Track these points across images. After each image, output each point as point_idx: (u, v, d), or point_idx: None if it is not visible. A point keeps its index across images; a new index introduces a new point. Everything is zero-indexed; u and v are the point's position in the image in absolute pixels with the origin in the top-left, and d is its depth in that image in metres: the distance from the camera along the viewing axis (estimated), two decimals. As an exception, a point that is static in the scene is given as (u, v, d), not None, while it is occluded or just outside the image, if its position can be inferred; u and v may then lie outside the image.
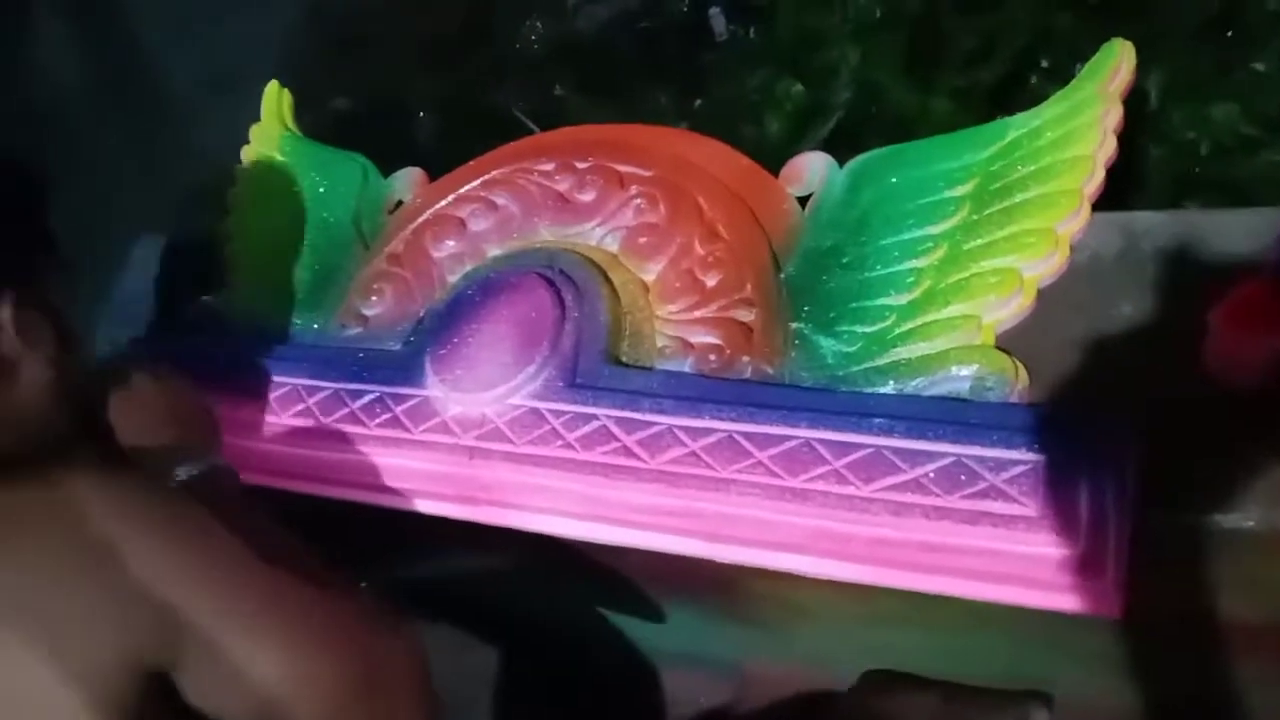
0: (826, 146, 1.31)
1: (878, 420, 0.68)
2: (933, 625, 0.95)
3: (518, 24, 2.31)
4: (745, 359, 0.78)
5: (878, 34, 1.22)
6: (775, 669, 1.16)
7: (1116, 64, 0.77)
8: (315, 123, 2.41)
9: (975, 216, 0.75)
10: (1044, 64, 1.21)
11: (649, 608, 1.01)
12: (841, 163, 0.85)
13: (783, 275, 0.81)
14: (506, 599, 1.19)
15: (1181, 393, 0.67)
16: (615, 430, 0.75)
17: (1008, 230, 0.74)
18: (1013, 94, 1.22)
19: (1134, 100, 1.14)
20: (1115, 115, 0.76)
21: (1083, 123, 0.75)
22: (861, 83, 1.25)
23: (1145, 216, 0.75)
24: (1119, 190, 1.18)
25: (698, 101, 1.66)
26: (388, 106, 2.22)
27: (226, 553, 0.57)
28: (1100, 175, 0.74)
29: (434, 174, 1.01)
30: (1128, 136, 1.18)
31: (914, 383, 0.71)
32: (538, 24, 2.32)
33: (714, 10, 1.76)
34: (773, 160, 0.93)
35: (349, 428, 0.85)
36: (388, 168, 1.06)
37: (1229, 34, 1.11)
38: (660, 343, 0.81)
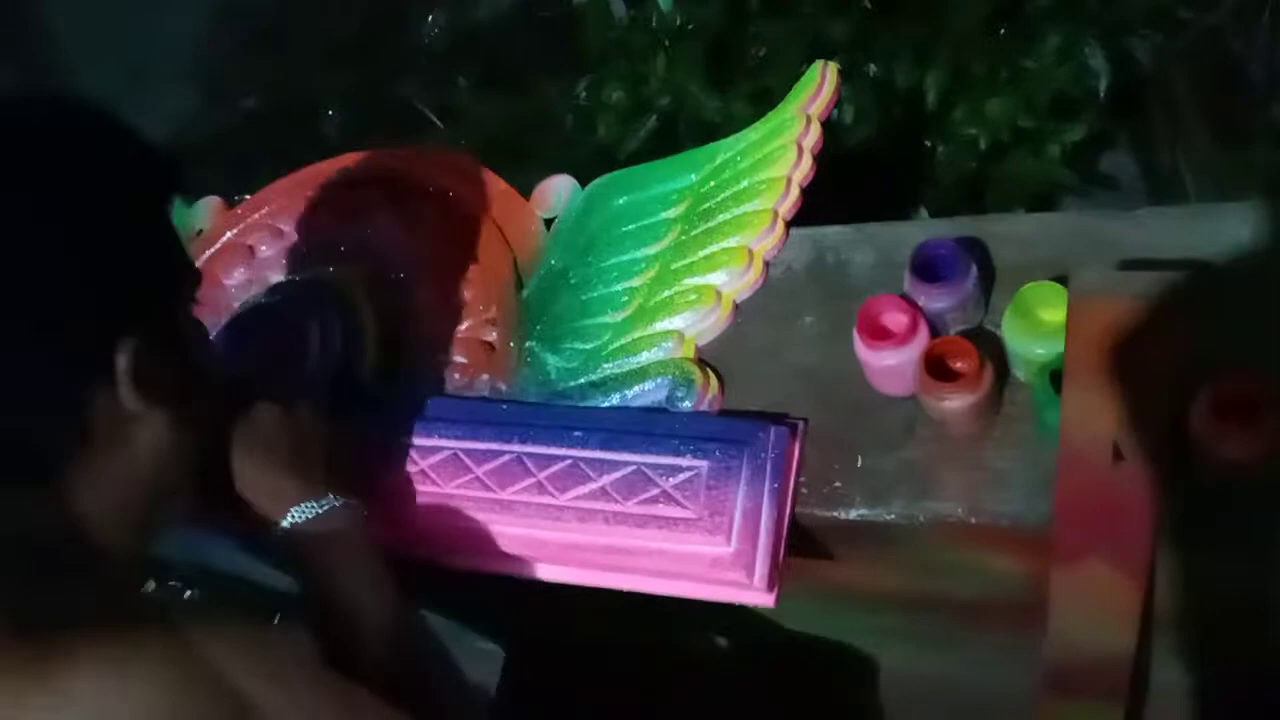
0: (646, 149, 1.38)
1: (576, 433, 0.75)
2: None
3: (422, 16, 2.34)
4: (485, 376, 0.84)
5: (681, 43, 1.27)
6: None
7: (817, 86, 0.82)
8: (226, 121, 2.43)
9: (684, 237, 0.81)
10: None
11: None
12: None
13: (523, 295, 0.86)
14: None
15: (849, 398, 0.74)
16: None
17: (709, 249, 0.80)
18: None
19: (915, 100, 1.21)
20: (814, 135, 0.81)
21: (781, 144, 0.81)
22: (673, 89, 1.31)
23: (834, 231, 0.81)
24: (909, 190, 1.25)
25: (582, 93, 1.70)
26: (296, 103, 2.25)
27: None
28: (795, 194, 0.80)
29: None
30: (913, 136, 1.25)
31: (621, 395, 0.77)
32: (440, 14, 2.35)
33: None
34: (601, 161, 0.95)
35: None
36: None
37: (1001, 32, 1.18)
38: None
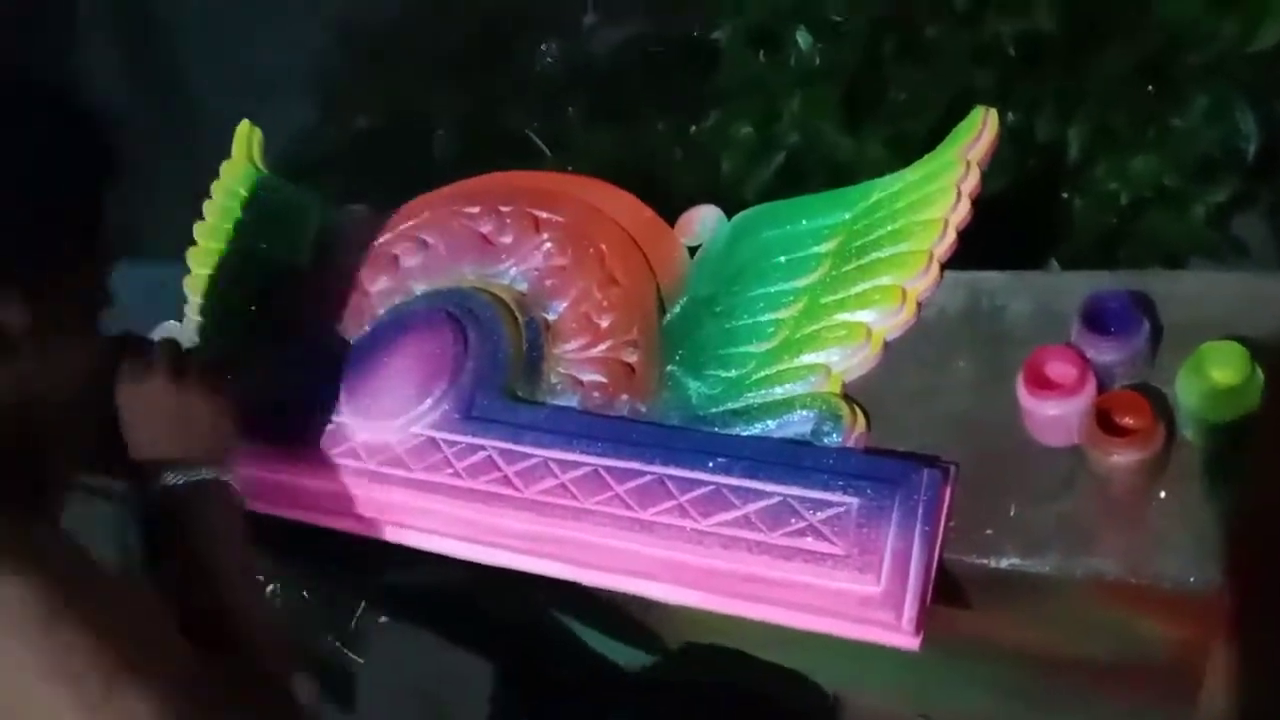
0: (772, 188, 1.38)
1: (720, 459, 0.75)
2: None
3: (534, 44, 2.40)
4: (625, 397, 0.85)
5: (817, 82, 1.28)
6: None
7: (978, 131, 0.82)
8: (340, 138, 2.51)
9: (835, 272, 0.81)
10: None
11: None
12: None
13: (666, 320, 0.87)
14: (483, 600, 1.25)
15: (1003, 445, 0.73)
16: (499, 461, 0.83)
17: (861, 286, 0.80)
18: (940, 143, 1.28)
19: (1055, 152, 1.20)
20: (972, 180, 0.81)
21: (939, 187, 0.81)
22: (804, 127, 1.31)
23: (990, 276, 0.80)
24: (1041, 240, 1.23)
25: (693, 128, 1.73)
26: (407, 124, 2.31)
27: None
28: (952, 237, 0.80)
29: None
30: (1050, 189, 1.23)
31: (763, 425, 0.77)
32: (553, 45, 2.41)
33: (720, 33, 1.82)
34: (719, 199, 0.98)
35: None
36: (399, 185, 1.10)
37: (1150, 89, 1.16)
38: (554, 380, 0.88)
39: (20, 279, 0.58)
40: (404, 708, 1.64)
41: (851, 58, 1.25)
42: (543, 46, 2.37)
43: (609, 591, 0.78)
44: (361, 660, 1.76)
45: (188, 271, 1.13)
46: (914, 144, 1.24)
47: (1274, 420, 0.59)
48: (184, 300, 1.13)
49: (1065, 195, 1.19)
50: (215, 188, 1.18)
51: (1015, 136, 1.18)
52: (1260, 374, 0.62)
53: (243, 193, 1.16)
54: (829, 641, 0.97)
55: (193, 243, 1.15)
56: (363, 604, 1.76)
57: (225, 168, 1.19)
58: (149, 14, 2.84)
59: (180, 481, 0.69)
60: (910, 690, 1.05)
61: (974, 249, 0.82)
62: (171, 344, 0.76)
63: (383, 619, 1.76)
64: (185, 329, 1.10)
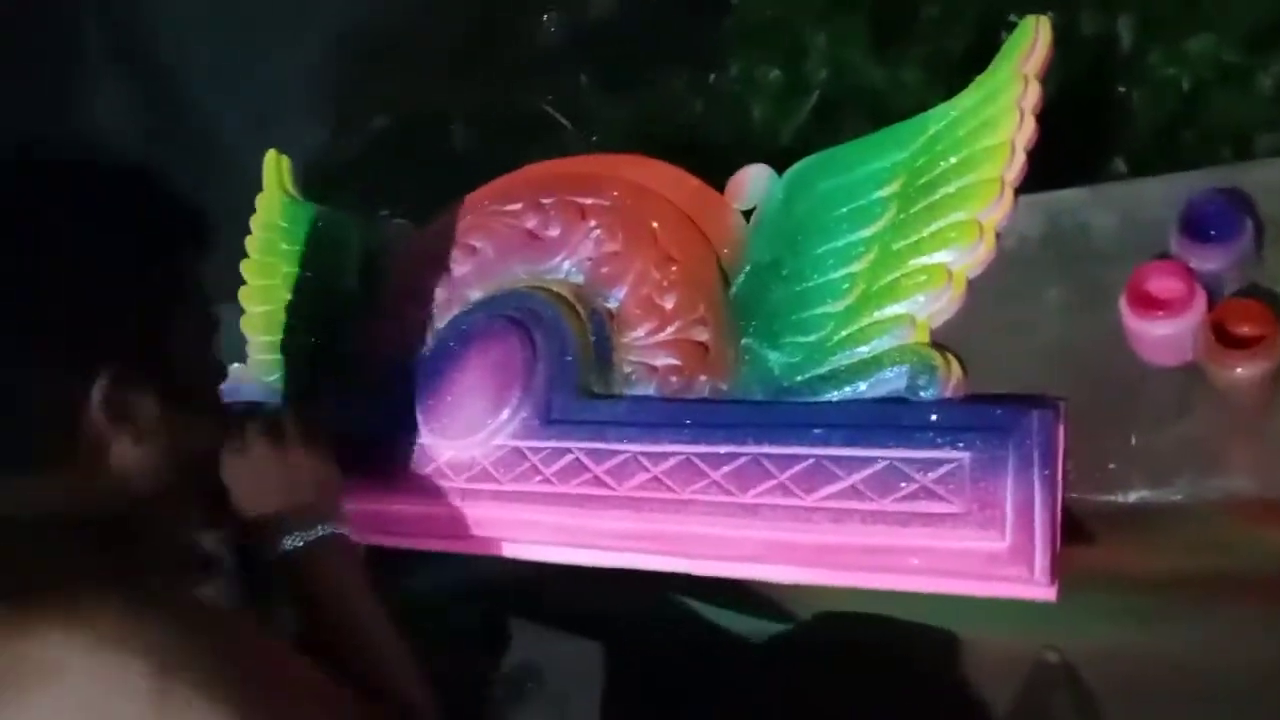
0: (808, 128, 1.34)
1: (816, 431, 0.72)
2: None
3: (536, 19, 2.35)
4: (703, 377, 0.82)
5: (841, 13, 1.22)
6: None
7: (1031, 43, 0.77)
8: (359, 144, 2.50)
9: (903, 215, 0.78)
10: (1013, 19, 1.20)
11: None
12: (820, 148, 0.86)
13: (732, 291, 0.84)
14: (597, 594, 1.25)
15: (1111, 372, 0.69)
16: (586, 461, 0.81)
17: (934, 226, 0.76)
18: (985, 57, 1.22)
19: (1105, 46, 1.14)
20: (1033, 96, 0.76)
21: (999, 109, 0.76)
22: (834, 62, 1.27)
23: (1068, 195, 0.76)
24: (1104, 144, 1.18)
25: (712, 76, 1.68)
26: (424, 120, 2.29)
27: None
28: (1021, 159, 0.75)
29: (473, 184, 1.03)
30: (1105, 85, 1.17)
31: (853, 387, 0.74)
32: (554, 14, 2.36)
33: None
34: (758, 146, 0.94)
35: (361, 479, 0.92)
36: (424, 184, 1.06)
37: (1195, -36, 1.09)
38: (627, 369, 0.86)
39: (151, 371, 0.60)
40: (523, 676, 1.65)
41: (874, -18, 1.20)
42: (544, 18, 2.33)
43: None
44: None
45: (242, 312, 1.13)
46: (952, 63, 1.19)
47: None
48: (243, 341, 1.12)
49: (1122, 90, 1.13)
50: (254, 222, 1.17)
51: (1061, 36, 1.11)
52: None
53: (282, 224, 1.15)
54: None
55: (241, 282, 1.15)
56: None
57: (260, 200, 1.18)
58: (151, 56, 2.83)
59: (300, 544, 0.70)
60: (1035, 627, 1.02)
61: (1035, 165, 0.78)
62: (265, 410, 0.78)
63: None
64: (251, 370, 1.10)
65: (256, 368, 1.09)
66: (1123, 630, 0.99)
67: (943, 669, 1.07)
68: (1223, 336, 0.61)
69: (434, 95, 2.34)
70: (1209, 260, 0.63)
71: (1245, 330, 0.61)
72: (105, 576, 0.55)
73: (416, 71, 2.41)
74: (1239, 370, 0.60)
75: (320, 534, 0.71)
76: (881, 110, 0.90)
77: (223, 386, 1.08)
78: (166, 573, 0.66)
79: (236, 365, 1.11)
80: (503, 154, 1.08)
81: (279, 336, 1.08)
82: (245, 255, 1.15)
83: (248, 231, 1.16)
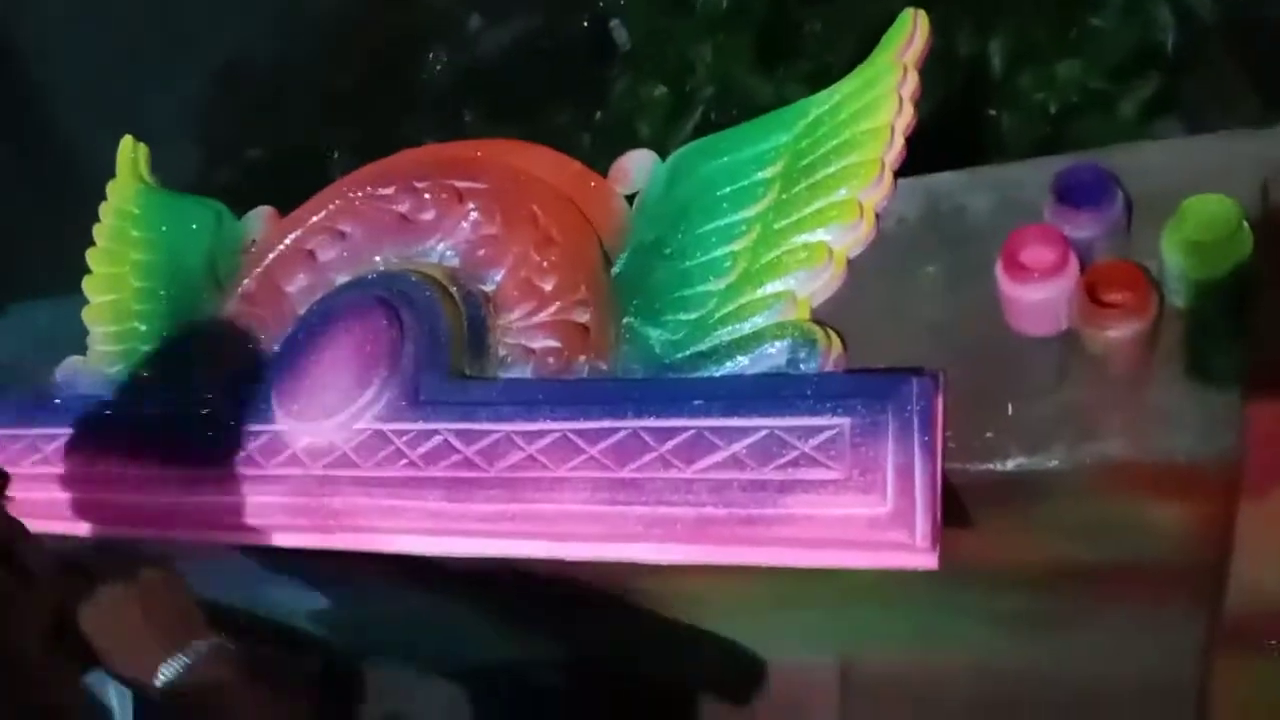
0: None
1: (696, 402, 0.70)
2: (832, 600, 0.97)
3: (422, 59, 2.33)
4: (582, 358, 0.79)
5: (726, 29, 1.24)
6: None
7: (909, 33, 0.79)
8: (231, 176, 2.41)
9: (784, 196, 0.77)
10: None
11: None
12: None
13: (613, 272, 0.82)
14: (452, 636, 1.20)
15: (988, 345, 0.69)
16: (455, 443, 0.76)
17: (815, 205, 0.75)
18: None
19: (978, 68, 1.18)
20: (912, 83, 0.77)
21: (879, 94, 0.77)
22: (720, 78, 1.28)
23: (946, 177, 0.77)
24: (973, 160, 1.21)
25: (598, 114, 1.68)
26: (302, 153, 2.23)
27: None
28: (900, 143, 0.76)
29: None
30: (975, 105, 1.22)
31: (735, 363, 0.73)
32: (442, 55, 2.35)
33: (614, 22, 1.79)
34: None
35: (210, 470, 0.85)
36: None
37: (1066, -7, 1.15)
38: (503, 352, 0.82)
39: None
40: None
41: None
42: (430, 56, 2.32)
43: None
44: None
45: (86, 302, 1.04)
46: (834, 78, 1.21)
47: (1272, 272, 0.57)
48: (85, 333, 1.04)
49: (993, 112, 1.17)
50: (104, 210, 1.09)
51: (936, 58, 1.15)
52: (1247, 227, 0.60)
53: (135, 210, 1.08)
54: (811, 594, 0.94)
55: (86, 272, 1.06)
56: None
57: (112, 187, 1.11)
58: (25, 75, 2.70)
59: (180, 669, 0.68)
60: (911, 633, 1.02)
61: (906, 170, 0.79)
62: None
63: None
64: (91, 363, 1.01)
65: (97, 359, 1.01)
66: (999, 635, 0.99)
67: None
68: (1096, 299, 0.61)
69: (315, 135, 2.29)
70: (1082, 227, 0.64)
71: (1117, 294, 0.62)
72: None
73: (301, 113, 2.36)
74: (1111, 332, 0.61)
75: (196, 652, 0.69)
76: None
77: (60, 379, 1.01)
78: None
79: (74, 358, 1.02)
80: None
81: (125, 325, 1.00)
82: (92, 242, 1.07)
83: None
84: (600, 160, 1.57)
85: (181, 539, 0.84)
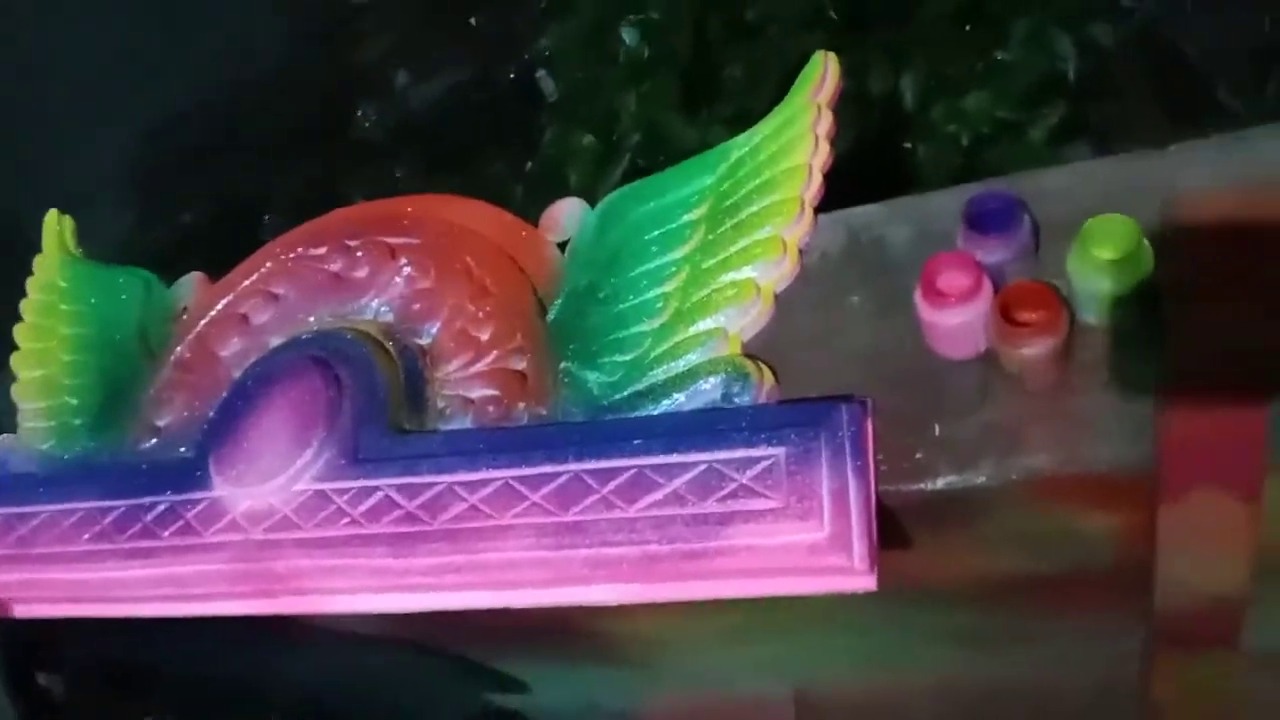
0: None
1: (636, 441, 0.71)
2: (784, 630, 0.97)
3: (349, 115, 2.34)
4: (521, 405, 0.80)
5: (650, 76, 1.27)
6: (668, 703, 1.18)
7: (821, 75, 0.81)
8: (162, 237, 2.39)
9: (711, 236, 0.79)
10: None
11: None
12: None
13: (549, 319, 0.83)
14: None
15: (913, 369, 0.71)
16: (397, 498, 0.76)
17: (740, 244, 0.77)
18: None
19: (892, 104, 1.22)
20: (826, 122, 0.80)
21: (796, 134, 0.79)
22: (645, 125, 1.31)
23: (865, 211, 0.79)
24: (890, 194, 1.25)
25: (528, 164, 1.70)
26: (235, 213, 2.22)
27: None
28: (818, 180, 0.78)
29: None
30: (891, 140, 1.26)
31: (672, 400, 0.74)
32: (371, 113, 2.36)
33: (541, 73, 1.82)
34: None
35: (144, 543, 0.83)
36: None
37: (969, 28, 1.20)
38: (441, 404, 0.83)
39: None
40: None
41: (681, 45, 1.26)
42: (359, 113, 2.33)
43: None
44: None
45: (13, 379, 1.03)
46: (755, 119, 1.25)
47: (1176, 285, 0.60)
48: (14, 411, 1.02)
49: (908, 145, 1.21)
50: (30, 284, 1.08)
51: (851, 97, 1.19)
52: (1148, 243, 0.63)
53: (62, 283, 1.06)
54: (761, 625, 0.94)
55: (14, 348, 1.05)
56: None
57: (38, 261, 1.10)
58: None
59: None
60: (865, 657, 1.03)
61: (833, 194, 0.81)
62: None
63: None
64: (23, 439, 0.99)
65: (29, 436, 0.99)
66: (937, 654, 1.01)
67: None
68: (1010, 320, 0.64)
69: (246, 192, 2.29)
70: (992, 251, 0.67)
71: (1030, 313, 0.64)
72: None
73: (229, 170, 2.35)
74: (1027, 350, 0.63)
75: None
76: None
77: (-11, 458, 0.99)
78: None
79: (5, 436, 1.00)
80: None
81: (56, 400, 0.99)
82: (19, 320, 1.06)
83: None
84: (533, 208, 1.59)
85: (124, 614, 0.83)
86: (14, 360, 1.04)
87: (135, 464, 0.89)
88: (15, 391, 1.02)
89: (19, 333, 1.05)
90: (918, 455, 0.68)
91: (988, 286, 0.66)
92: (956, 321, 0.66)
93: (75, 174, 2.32)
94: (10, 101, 2.47)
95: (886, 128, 1.19)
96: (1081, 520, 0.70)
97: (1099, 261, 0.63)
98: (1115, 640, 0.89)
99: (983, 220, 0.67)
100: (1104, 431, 0.65)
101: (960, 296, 0.65)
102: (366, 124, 2.33)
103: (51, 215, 1.12)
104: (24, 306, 1.07)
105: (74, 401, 0.98)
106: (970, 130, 1.18)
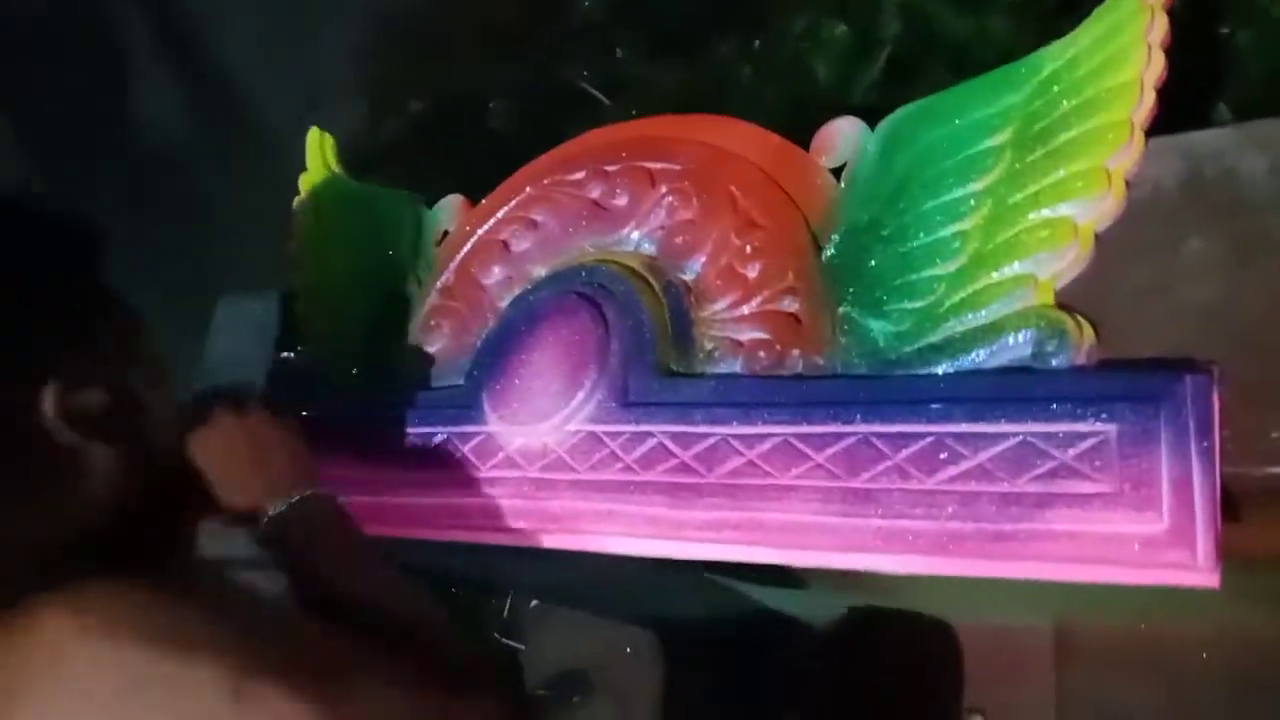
0: (882, 87, 1.26)
1: (935, 406, 0.65)
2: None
3: (569, -4, 2.28)
4: (795, 352, 0.75)
5: (914, -42, 1.14)
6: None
7: (1156, -32, 0.69)
8: (398, 127, 2.46)
9: (1018, 165, 0.70)
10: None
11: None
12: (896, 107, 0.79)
13: (824, 257, 0.77)
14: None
15: (1267, 333, 0.61)
16: (672, 446, 0.74)
17: (1055, 175, 0.68)
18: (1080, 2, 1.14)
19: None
20: (1161, 27, 0.68)
21: (1124, 43, 0.68)
22: (909, 13, 1.18)
23: (1208, 136, 0.68)
24: (1206, 93, 1.08)
25: (756, 42, 1.61)
26: (462, 101, 2.25)
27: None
28: (1150, 99, 0.68)
29: (513, 163, 0.98)
30: (1208, 27, 1.08)
31: (972, 357, 0.67)
32: (589, -10, 2.29)
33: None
34: (827, 110, 0.88)
35: (425, 473, 0.86)
36: (464, 165, 0.99)
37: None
38: (709, 345, 0.79)
39: (91, 372, 0.59)
40: (570, 684, 1.64)
41: (950, -77, 1.12)
42: (578, -7, 2.27)
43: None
44: (523, 646, 1.75)
45: (292, 297, 1.07)
46: (1045, 7, 1.10)
47: None
48: (295, 328, 1.07)
49: (1226, 31, 1.04)
50: (299, 206, 1.12)
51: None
52: None
53: (330, 206, 1.09)
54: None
55: (287, 266, 1.09)
56: (511, 594, 1.75)
57: (304, 180, 1.13)
58: (195, 44, 2.83)
59: (284, 509, 0.68)
60: (1139, 602, 0.95)
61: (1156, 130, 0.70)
62: (225, 394, 0.75)
63: (534, 603, 1.75)
64: (302, 359, 1.04)
65: (313, 353, 1.03)
66: (1240, 612, 0.92)
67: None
68: None
69: (471, 77, 2.30)
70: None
71: None
72: (106, 575, 0.54)
73: (453, 55, 2.37)
74: None
75: (302, 496, 0.69)
76: (964, 64, 0.82)
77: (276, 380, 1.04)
78: (171, 562, 0.64)
79: (287, 355, 1.06)
80: (540, 132, 1.02)
81: (335, 326, 1.03)
82: (292, 237, 1.10)
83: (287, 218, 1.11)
84: (769, 94, 1.50)
85: (415, 536, 0.86)
86: (292, 281, 1.08)
87: (413, 393, 0.91)
88: (300, 315, 1.06)
89: (294, 254, 1.09)
90: (1274, 434, 0.59)
91: (1388, 240, 0.55)
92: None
93: (308, 73, 2.41)
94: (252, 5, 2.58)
95: (1200, 13, 1.02)
96: None
97: None
98: None
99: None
100: None
101: None
102: (586, 3, 2.28)
103: (314, 134, 1.14)
104: (295, 227, 1.11)
105: (350, 323, 1.02)
106: (1308, 9, 0.99)
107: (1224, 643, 1.08)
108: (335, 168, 1.12)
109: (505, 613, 1.78)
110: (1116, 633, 1.15)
